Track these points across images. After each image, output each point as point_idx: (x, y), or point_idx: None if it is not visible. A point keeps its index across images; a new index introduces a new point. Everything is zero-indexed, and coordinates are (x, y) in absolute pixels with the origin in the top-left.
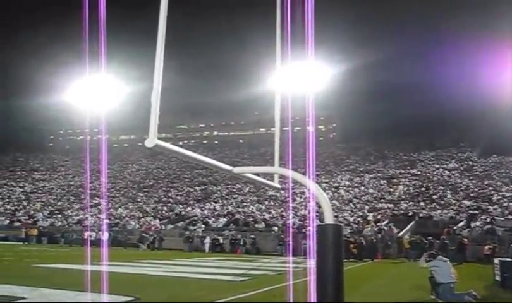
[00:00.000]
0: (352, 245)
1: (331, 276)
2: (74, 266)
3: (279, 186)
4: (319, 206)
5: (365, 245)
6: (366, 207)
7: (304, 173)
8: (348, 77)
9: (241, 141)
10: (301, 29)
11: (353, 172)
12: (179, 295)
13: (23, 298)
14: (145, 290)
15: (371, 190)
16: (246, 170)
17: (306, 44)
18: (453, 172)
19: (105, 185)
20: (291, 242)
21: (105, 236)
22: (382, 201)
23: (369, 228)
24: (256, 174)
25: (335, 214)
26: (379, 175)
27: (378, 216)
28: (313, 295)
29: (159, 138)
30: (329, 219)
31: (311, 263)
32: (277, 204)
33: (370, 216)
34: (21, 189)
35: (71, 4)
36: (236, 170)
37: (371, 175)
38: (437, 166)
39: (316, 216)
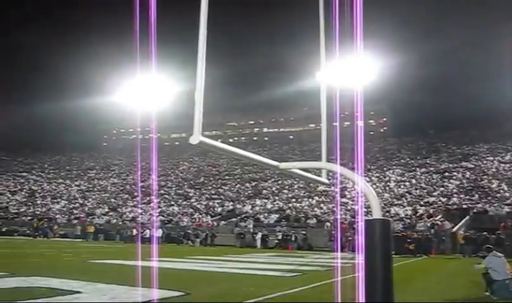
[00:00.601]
0: (407, 241)
1: (379, 272)
2: (128, 262)
3: (326, 181)
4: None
5: (419, 241)
6: (419, 202)
7: (353, 169)
8: (399, 71)
9: (291, 137)
10: (350, 22)
11: (404, 166)
12: (229, 290)
13: (78, 292)
14: (196, 285)
15: (423, 185)
16: (293, 166)
17: (354, 37)
18: (509, 165)
19: (155, 183)
20: (338, 238)
21: (158, 233)
22: (435, 195)
23: (422, 223)
24: (305, 170)
25: (387, 209)
26: (431, 169)
27: (431, 211)
28: (361, 292)
29: (210, 136)
30: (377, 214)
31: (360, 259)
32: (328, 200)
33: (423, 211)
34: (78, 188)
35: (122, 4)
36: (282, 165)
37: (423, 169)
38: (492, 159)
39: (370, 211)
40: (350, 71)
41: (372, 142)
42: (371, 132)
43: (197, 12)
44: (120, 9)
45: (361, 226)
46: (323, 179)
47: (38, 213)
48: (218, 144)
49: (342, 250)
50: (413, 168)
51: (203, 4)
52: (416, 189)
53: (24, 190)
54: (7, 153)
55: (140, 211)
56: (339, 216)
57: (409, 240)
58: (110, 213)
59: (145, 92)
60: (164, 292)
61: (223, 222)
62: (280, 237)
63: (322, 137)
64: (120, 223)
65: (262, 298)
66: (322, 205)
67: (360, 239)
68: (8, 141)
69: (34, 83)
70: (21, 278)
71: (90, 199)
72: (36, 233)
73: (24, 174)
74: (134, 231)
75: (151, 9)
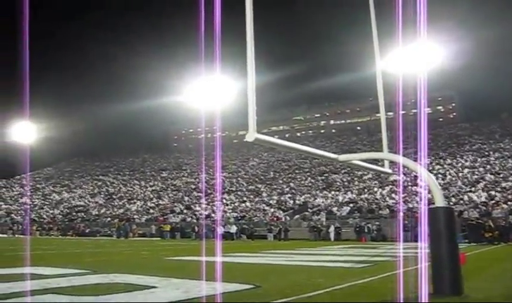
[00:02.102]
0: (485, 229)
1: (445, 260)
2: (201, 258)
3: (390, 171)
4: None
5: (497, 228)
6: (494, 188)
7: (416, 157)
8: (466, 56)
9: (358, 128)
10: (413, 8)
11: (477, 152)
12: (299, 282)
13: (154, 286)
14: (267, 278)
15: (498, 170)
16: (352, 157)
17: (418, 22)
18: None
19: (220, 180)
20: (401, 227)
21: (232, 229)
22: (511, 180)
23: (498, 210)
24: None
25: (461, 196)
26: (506, 153)
27: (509, 197)
28: (426, 280)
29: (277, 131)
30: (440, 202)
31: (426, 248)
32: (400, 190)
33: (499, 197)
34: (152, 188)
35: (187, 5)
36: (342, 157)
37: (497, 154)
38: None
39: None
40: (414, 57)
41: (442, 128)
42: (441, 119)
43: (263, 10)
44: (185, 10)
45: (422, 214)
46: (387, 169)
47: (116, 214)
48: (273, 139)
49: (415, 240)
50: (487, 153)
51: (247, 2)
52: (491, 175)
53: (103, 192)
54: (86, 158)
55: (211, 208)
56: (401, 206)
57: (486, 228)
58: (185, 211)
59: (211, 91)
60: (235, 285)
61: (297, 216)
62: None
63: (382, 127)
64: (195, 220)
65: (330, 288)
66: (394, 195)
67: (423, 228)
68: (86, 146)
69: (106, 89)
70: (102, 274)
71: (164, 199)
72: (119, 233)
73: (102, 177)
74: (196, 228)
75: (216, 8)
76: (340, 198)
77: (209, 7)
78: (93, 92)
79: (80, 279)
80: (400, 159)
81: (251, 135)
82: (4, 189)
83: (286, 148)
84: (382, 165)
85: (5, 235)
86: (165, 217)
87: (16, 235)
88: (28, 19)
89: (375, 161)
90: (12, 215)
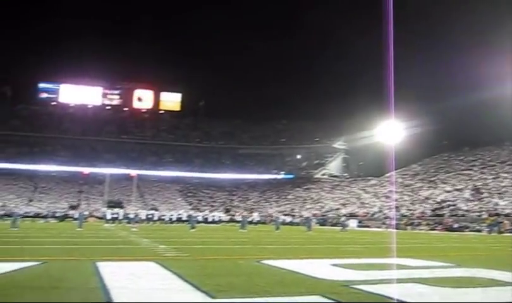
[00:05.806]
0: None
1: None
2: None
3: None
4: None
5: None
6: None
7: None
8: None
9: None
10: None
11: None
12: None
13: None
14: None
15: None
16: None
17: None
18: None
19: None
20: None
21: None
22: None
23: None
24: None
25: None
26: None
27: None
28: None
29: None
30: None
31: None
32: None
33: None
34: None
35: None
36: None
37: None
38: None
39: None
40: None
41: None
42: None
43: None
44: None
45: None
46: None
47: (485, 209)
48: None
49: None
50: None
51: None
52: None
53: (469, 187)
54: (450, 153)
55: None
56: None
57: None
58: None
59: None
60: None
61: None
62: None
63: None
64: None
65: None
66: None
67: None
68: (448, 141)
69: (462, 79)
70: (465, 269)
71: None
72: (490, 229)
73: (467, 172)
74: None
75: None
76: None
77: None
78: (451, 84)
79: (442, 272)
80: None
81: None
82: (376, 187)
83: None
84: None
85: (379, 229)
86: None
87: (388, 229)
88: (392, 21)
89: None
90: (385, 211)
